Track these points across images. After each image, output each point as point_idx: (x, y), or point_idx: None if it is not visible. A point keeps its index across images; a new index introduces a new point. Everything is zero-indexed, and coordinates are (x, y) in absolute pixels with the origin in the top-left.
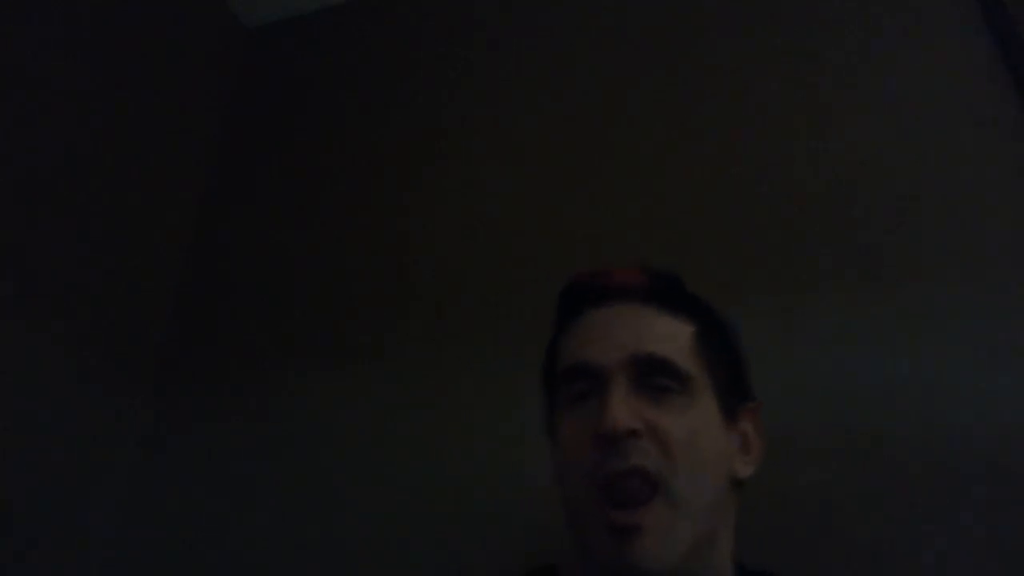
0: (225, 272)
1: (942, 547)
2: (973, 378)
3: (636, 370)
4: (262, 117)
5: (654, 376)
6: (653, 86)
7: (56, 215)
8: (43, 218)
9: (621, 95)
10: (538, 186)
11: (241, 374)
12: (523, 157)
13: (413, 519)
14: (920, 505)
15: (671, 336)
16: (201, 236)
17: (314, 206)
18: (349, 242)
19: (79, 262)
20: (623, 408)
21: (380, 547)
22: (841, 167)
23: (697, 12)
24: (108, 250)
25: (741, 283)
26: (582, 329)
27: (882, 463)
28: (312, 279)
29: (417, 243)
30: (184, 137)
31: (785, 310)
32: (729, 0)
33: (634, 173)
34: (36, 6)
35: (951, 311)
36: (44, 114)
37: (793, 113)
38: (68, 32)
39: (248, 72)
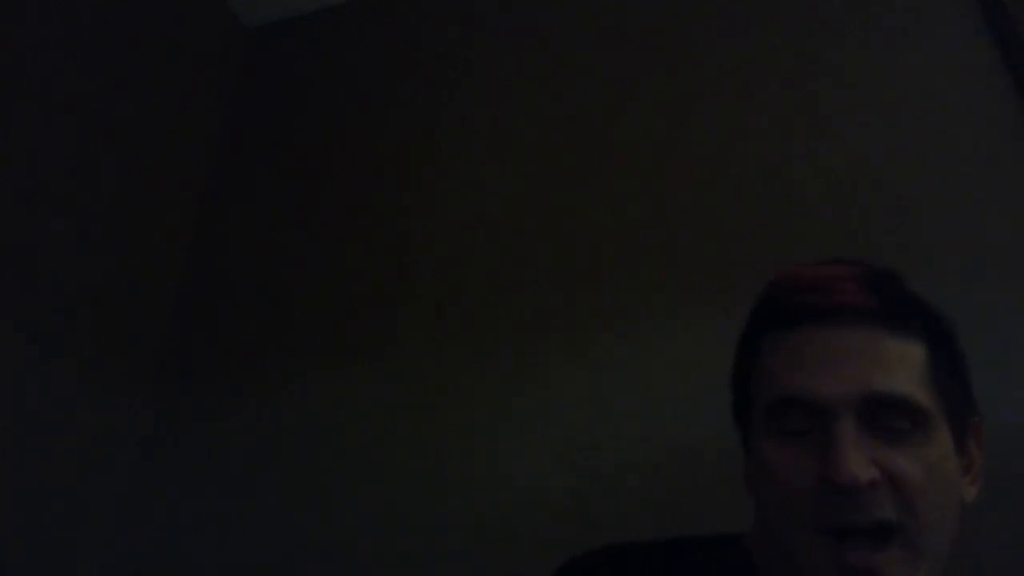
0: (225, 272)
1: None
2: (973, 378)
3: (867, 409)
4: (262, 117)
5: (888, 416)
6: (653, 86)
7: (56, 215)
8: (43, 218)
9: (621, 95)
10: (538, 186)
11: (241, 374)
12: (523, 157)
13: (413, 518)
14: None
15: (904, 365)
16: (201, 236)
17: (314, 206)
18: (349, 242)
19: (79, 262)
20: (858, 457)
21: (380, 546)
22: (841, 167)
23: (697, 12)
24: (108, 250)
25: (741, 283)
26: (800, 352)
27: None
28: (312, 279)
29: (417, 243)
30: (184, 137)
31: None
32: (729, 0)
33: (634, 173)
34: (36, 6)
35: (950, 311)
36: (44, 114)
37: (793, 113)
38: (68, 32)
39: (248, 72)
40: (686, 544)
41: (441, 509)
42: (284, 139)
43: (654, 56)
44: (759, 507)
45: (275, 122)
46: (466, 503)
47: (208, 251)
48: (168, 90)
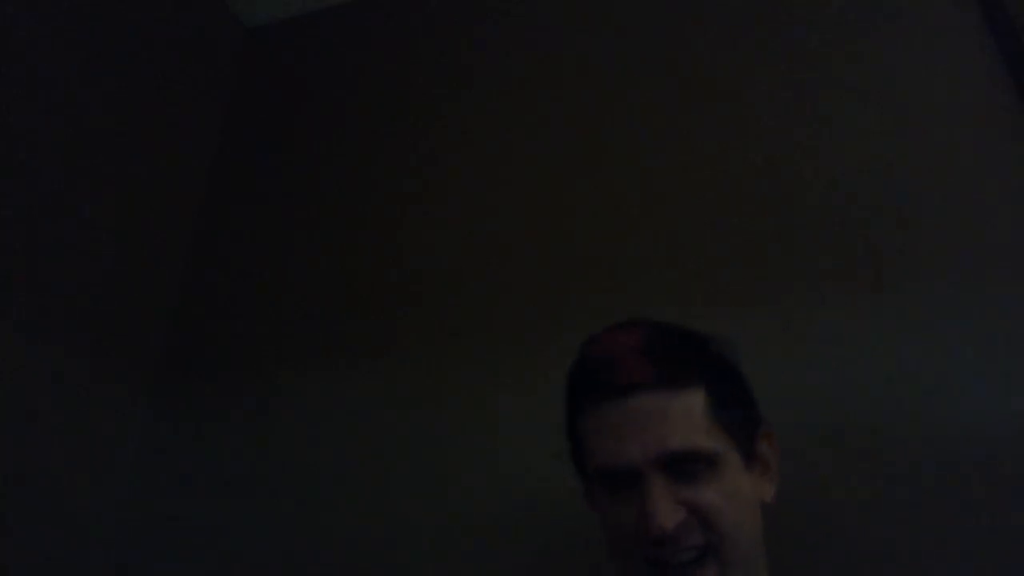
0: (225, 272)
1: (942, 546)
2: (973, 378)
3: (667, 463)
4: (262, 117)
5: (684, 464)
6: (653, 87)
7: (56, 215)
8: (42, 218)
9: (621, 95)
10: (538, 186)
11: (241, 374)
12: (523, 156)
13: (413, 518)
14: (920, 504)
15: (687, 418)
16: (201, 236)
17: (314, 206)
18: (349, 242)
19: (79, 262)
20: (666, 508)
21: (379, 546)
22: (841, 167)
23: (697, 13)
24: (108, 250)
25: (741, 284)
26: (604, 426)
27: (882, 462)
28: (312, 279)
29: (417, 243)
30: (184, 137)
31: (785, 310)
32: (729, 1)
33: (634, 173)
34: (36, 6)
35: (951, 311)
36: (44, 114)
37: (793, 113)
38: (68, 32)
39: (248, 72)
40: None
41: (441, 509)
42: (284, 139)
43: (654, 56)
44: (607, 546)
45: (275, 122)
46: (466, 503)
47: (208, 251)
48: (168, 89)
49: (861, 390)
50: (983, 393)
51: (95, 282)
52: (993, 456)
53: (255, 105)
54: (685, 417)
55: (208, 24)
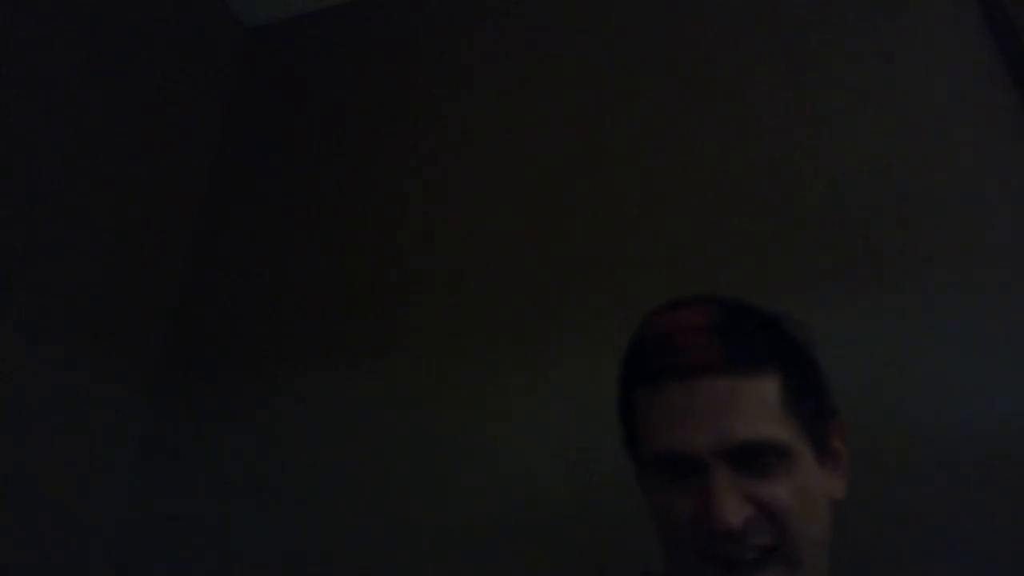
0: (225, 272)
1: (942, 546)
2: (973, 378)
3: (735, 453)
4: (262, 117)
5: (753, 457)
6: (653, 86)
7: (56, 215)
8: (42, 217)
9: (621, 95)
10: (538, 185)
11: (241, 374)
12: (523, 156)
13: (413, 518)
14: (920, 504)
15: (760, 406)
16: (201, 236)
17: (314, 206)
18: (349, 242)
19: (79, 262)
20: (732, 503)
21: (379, 545)
22: (841, 167)
23: (697, 13)
24: (108, 250)
25: (741, 284)
26: (666, 410)
27: (882, 462)
28: (312, 279)
29: (417, 243)
30: (184, 136)
31: (784, 310)
32: (729, 1)
33: (635, 173)
34: (36, 6)
35: (951, 311)
36: (44, 113)
37: (793, 113)
38: (69, 32)
39: (248, 72)
40: None
41: (441, 509)
42: (284, 139)
43: (654, 57)
44: (659, 536)
45: (275, 122)
46: (465, 503)
47: (208, 251)
48: (168, 89)
49: (861, 390)
50: (983, 393)
51: (95, 282)
52: (993, 456)
53: (255, 105)
54: (757, 405)
55: (208, 24)
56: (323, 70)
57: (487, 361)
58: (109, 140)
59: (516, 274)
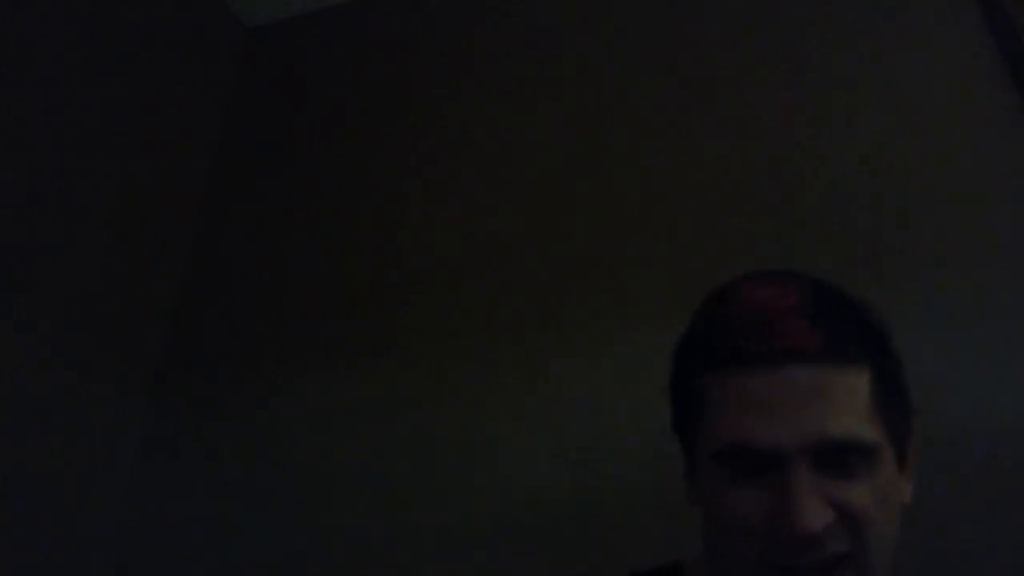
0: (225, 272)
1: (942, 546)
2: (973, 378)
3: (818, 453)
4: (262, 117)
5: (839, 456)
6: (653, 86)
7: (56, 215)
8: (43, 218)
9: (622, 95)
10: (538, 186)
11: (241, 374)
12: (523, 156)
13: (413, 518)
14: (919, 504)
15: (852, 402)
16: (201, 236)
17: (314, 206)
18: (349, 242)
19: (79, 262)
20: (814, 505)
21: (379, 546)
22: (841, 167)
23: (697, 13)
24: (108, 250)
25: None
26: (747, 397)
27: None
28: (312, 279)
29: (417, 243)
30: (184, 137)
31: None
32: (729, 1)
33: (634, 173)
34: (36, 6)
35: (951, 311)
36: (44, 113)
37: (793, 113)
38: (69, 32)
39: (248, 72)
40: None
41: (441, 509)
42: (284, 139)
43: (654, 57)
44: (708, 532)
45: (275, 122)
46: (466, 503)
47: (208, 251)
48: (168, 89)
49: None
50: (983, 393)
51: (95, 282)
52: (993, 456)
53: (255, 105)
54: (850, 400)
55: (208, 24)
56: (323, 70)
57: (487, 361)
58: (109, 140)
59: (516, 274)
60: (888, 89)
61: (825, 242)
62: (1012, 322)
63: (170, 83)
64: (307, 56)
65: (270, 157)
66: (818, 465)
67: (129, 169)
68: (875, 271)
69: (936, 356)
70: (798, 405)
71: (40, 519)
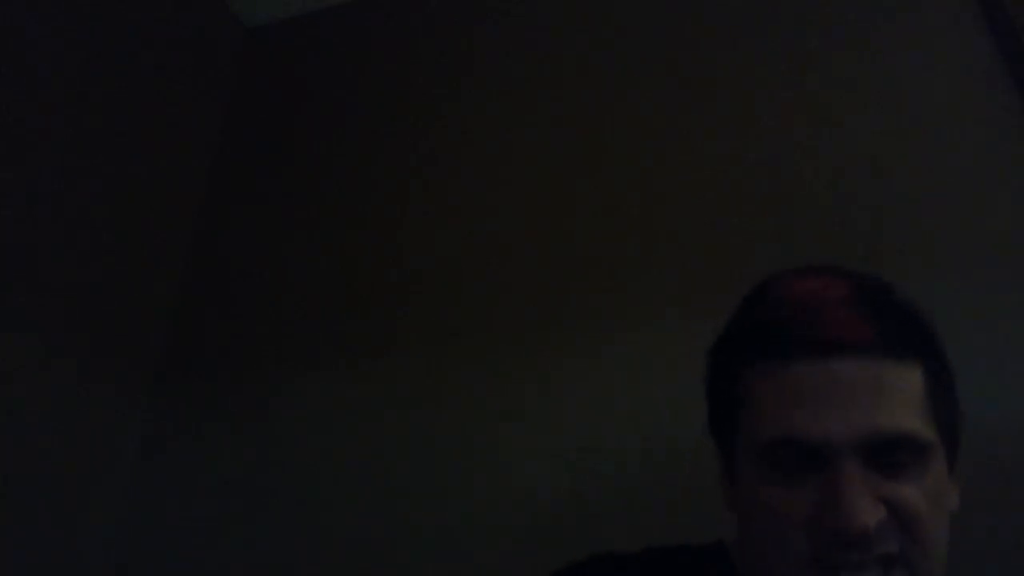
0: (225, 272)
1: None
2: (973, 378)
3: (869, 448)
4: (262, 117)
5: (890, 452)
6: (653, 86)
7: (56, 214)
8: (43, 217)
9: (622, 95)
10: (538, 186)
11: (241, 374)
12: (523, 157)
13: (413, 519)
14: None
15: (905, 397)
16: (201, 236)
17: (314, 206)
18: (349, 242)
19: (79, 261)
20: (866, 503)
21: (379, 546)
22: (841, 167)
23: (697, 13)
24: (108, 249)
25: (741, 284)
26: (796, 389)
27: None
28: (312, 279)
29: (417, 243)
30: (184, 137)
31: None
32: (730, 1)
33: (634, 173)
34: (36, 6)
35: (951, 311)
36: (44, 113)
37: (793, 113)
38: (68, 32)
39: (248, 72)
40: (671, 553)
41: (441, 509)
42: (284, 139)
43: (654, 56)
44: (748, 534)
45: (275, 122)
46: (466, 503)
47: (208, 251)
48: (168, 89)
49: None
50: (983, 393)
51: (95, 282)
52: (993, 456)
53: (255, 105)
54: (903, 394)
55: (208, 24)
56: (323, 70)
57: (487, 361)
58: (109, 140)
59: (516, 274)
60: (888, 89)
61: (825, 242)
62: (1013, 322)
63: (170, 83)
64: (307, 56)
65: (270, 157)
66: (868, 461)
67: (129, 169)
68: (875, 271)
69: None
70: (848, 397)
71: (40, 519)
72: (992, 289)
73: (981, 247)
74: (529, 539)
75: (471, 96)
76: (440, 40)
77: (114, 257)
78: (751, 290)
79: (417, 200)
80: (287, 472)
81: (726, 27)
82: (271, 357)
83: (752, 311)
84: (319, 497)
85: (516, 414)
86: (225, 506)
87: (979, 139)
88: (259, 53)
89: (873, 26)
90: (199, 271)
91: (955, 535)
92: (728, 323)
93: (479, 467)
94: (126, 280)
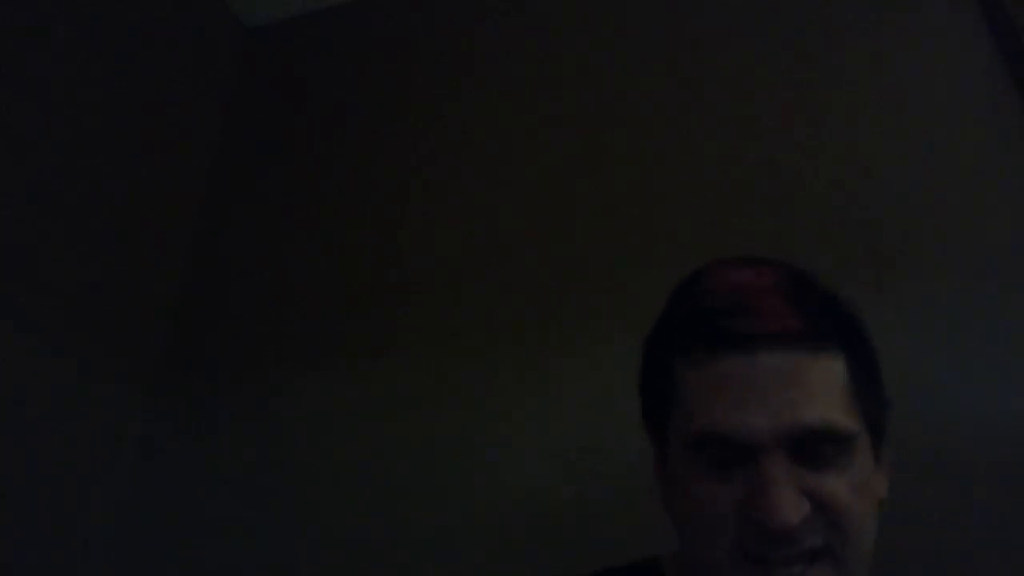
0: (224, 272)
1: (943, 546)
2: (973, 378)
3: (793, 442)
4: (262, 117)
5: (814, 445)
6: (653, 86)
7: (56, 214)
8: (42, 217)
9: (622, 95)
10: (538, 186)
11: (240, 374)
12: (523, 157)
13: (412, 520)
14: (919, 504)
15: (828, 389)
16: (201, 236)
17: (314, 206)
18: (349, 242)
19: (79, 262)
20: (790, 497)
21: (379, 547)
22: (841, 167)
23: (697, 13)
24: (108, 249)
25: None
26: (720, 383)
27: None
28: (312, 279)
29: (417, 244)
30: (184, 137)
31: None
32: (729, 1)
33: (633, 173)
34: (36, 6)
35: (951, 311)
36: (44, 113)
37: (793, 113)
38: (69, 32)
39: (248, 72)
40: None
41: (441, 509)
42: (284, 139)
43: (654, 56)
44: (682, 532)
45: (275, 122)
46: (465, 503)
47: (208, 251)
48: (168, 90)
49: None
50: (983, 393)
51: (95, 282)
52: (993, 456)
53: (255, 105)
54: (827, 386)
55: (208, 24)
56: (323, 70)
57: (487, 361)
58: (109, 140)
59: (516, 274)
60: (888, 89)
61: (825, 242)
62: (1012, 322)
63: (170, 83)
64: (307, 56)
65: (270, 157)
66: (793, 455)
67: (129, 169)
68: (875, 271)
69: (936, 356)
70: (774, 391)
71: (39, 519)
72: (992, 289)
73: (981, 247)
74: (529, 539)
75: (471, 96)
76: (440, 40)
77: (114, 257)
78: (684, 278)
79: (417, 200)
80: (287, 472)
81: (726, 27)
82: (271, 357)
83: (682, 303)
84: (319, 497)
85: (516, 414)
86: (225, 506)
87: (979, 139)
88: (259, 53)
89: (873, 26)
90: (199, 271)
91: (955, 535)
92: (662, 312)
93: (479, 467)
94: (126, 280)
